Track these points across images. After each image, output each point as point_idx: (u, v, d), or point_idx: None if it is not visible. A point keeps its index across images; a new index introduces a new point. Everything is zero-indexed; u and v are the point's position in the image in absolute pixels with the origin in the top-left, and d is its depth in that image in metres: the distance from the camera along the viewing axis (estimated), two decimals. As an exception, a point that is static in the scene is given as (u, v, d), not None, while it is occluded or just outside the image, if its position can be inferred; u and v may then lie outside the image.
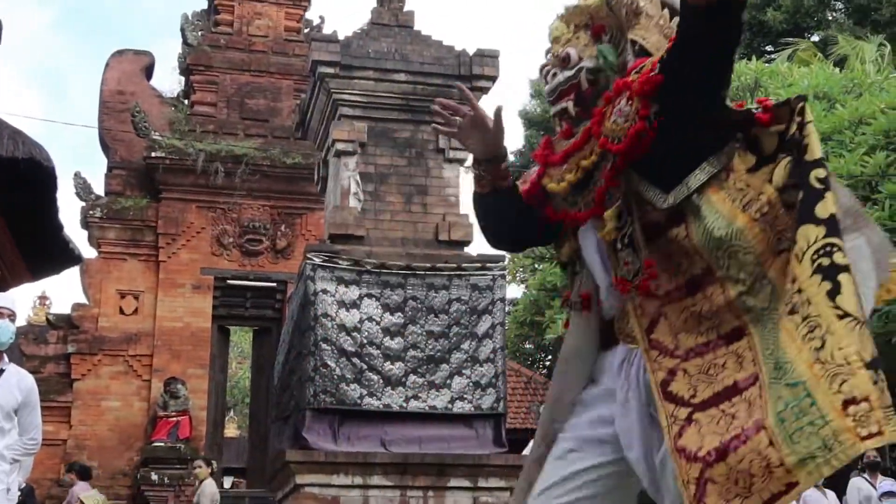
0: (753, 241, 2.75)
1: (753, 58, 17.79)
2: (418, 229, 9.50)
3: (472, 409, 8.85)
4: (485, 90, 9.83)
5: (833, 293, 2.50)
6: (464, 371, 8.90)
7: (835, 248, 2.55)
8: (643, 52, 3.08)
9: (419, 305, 9.04)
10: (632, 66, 3.02)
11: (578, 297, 3.17)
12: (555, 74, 3.20)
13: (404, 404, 8.73)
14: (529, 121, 27.86)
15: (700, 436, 2.67)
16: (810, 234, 2.60)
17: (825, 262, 2.55)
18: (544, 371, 24.42)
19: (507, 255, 17.23)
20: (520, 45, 64.40)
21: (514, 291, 26.57)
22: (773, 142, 2.86)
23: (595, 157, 2.99)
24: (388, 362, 8.81)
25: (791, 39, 20.98)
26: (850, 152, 11.68)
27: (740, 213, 2.77)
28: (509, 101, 54.53)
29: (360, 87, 9.62)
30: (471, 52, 9.90)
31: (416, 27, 10.24)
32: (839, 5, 24.25)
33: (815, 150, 2.74)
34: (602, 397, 3.04)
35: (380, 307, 8.98)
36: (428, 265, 9.12)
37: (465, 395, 8.84)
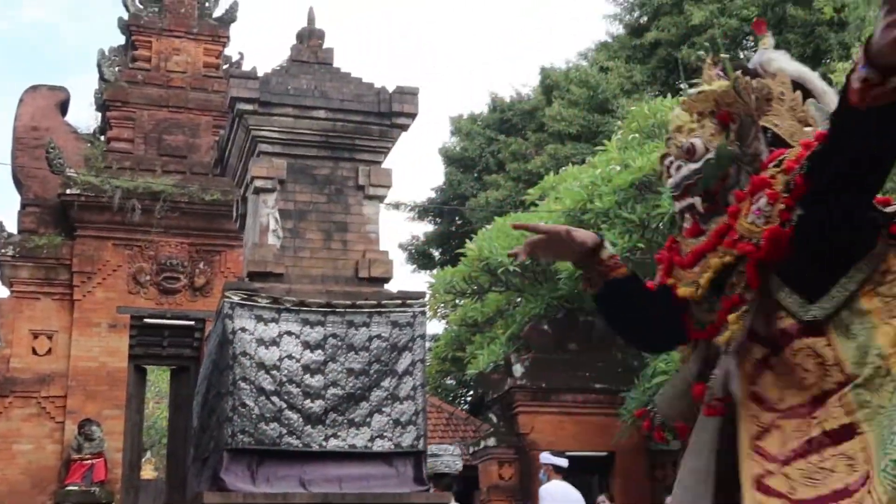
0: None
1: (668, 95, 18.15)
2: (338, 266, 9.46)
3: (392, 447, 8.80)
4: (404, 127, 9.87)
5: None
6: (384, 409, 8.85)
7: None
8: (776, 139, 2.90)
9: (339, 343, 8.99)
10: (768, 159, 2.83)
11: (714, 396, 2.88)
12: (679, 167, 2.95)
13: (324, 443, 8.65)
14: (449, 158, 28.01)
15: None
16: None
17: None
18: (465, 406, 24.44)
19: (428, 291, 17.30)
20: (441, 82, 64.79)
21: (436, 327, 26.60)
22: None
23: (730, 259, 2.76)
24: (308, 400, 8.74)
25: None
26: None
27: (890, 326, 2.54)
28: (430, 138, 54.77)
29: (280, 123, 9.59)
30: (390, 89, 9.94)
31: (335, 64, 10.25)
32: (751, 44, 24.90)
33: None
34: None
35: (300, 345, 8.91)
36: (348, 302, 9.09)
37: (385, 434, 8.79)
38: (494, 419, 16.67)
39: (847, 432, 2.51)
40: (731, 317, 2.72)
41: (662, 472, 15.85)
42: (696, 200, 2.87)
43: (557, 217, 15.24)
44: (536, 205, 17.25)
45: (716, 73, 3.06)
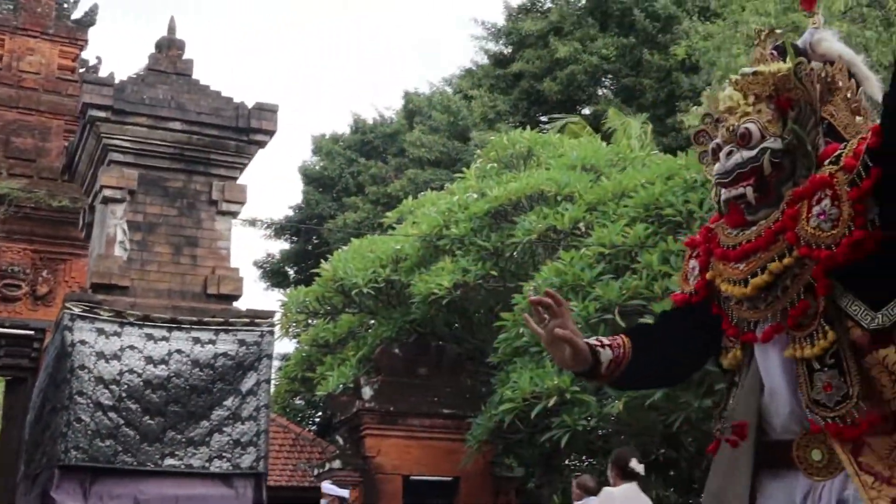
0: None
1: (528, 127, 18.47)
2: (186, 281, 9.28)
3: (231, 467, 8.66)
4: (261, 144, 9.78)
5: None
6: (224, 428, 8.70)
7: None
8: (831, 131, 2.74)
9: (184, 359, 8.81)
10: (823, 154, 2.66)
11: (730, 424, 2.77)
12: (730, 153, 2.76)
13: (160, 462, 8.45)
14: (309, 177, 27.84)
15: None
16: None
17: None
18: (314, 427, 24.22)
19: (280, 310, 17.12)
20: (305, 101, 64.43)
21: (288, 346, 26.32)
22: None
23: (790, 262, 2.61)
24: (147, 416, 8.53)
25: (560, 115, 21.91)
26: (612, 223, 12.22)
27: None
28: (291, 156, 54.32)
29: (133, 133, 9.38)
30: (250, 104, 9.84)
31: (194, 76, 10.10)
32: (608, 82, 25.59)
33: None
34: None
35: (142, 359, 8.70)
36: (194, 318, 8.92)
37: (224, 454, 8.64)
38: (341, 441, 16.56)
39: None
40: (825, 331, 2.55)
41: (506, 499, 16.01)
42: (748, 191, 2.70)
43: (413, 241, 15.31)
44: (394, 228, 17.29)
45: (770, 51, 2.93)
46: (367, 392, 15.92)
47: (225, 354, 8.92)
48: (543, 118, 25.21)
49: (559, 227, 12.95)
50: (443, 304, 14.25)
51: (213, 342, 8.90)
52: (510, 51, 27.60)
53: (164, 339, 8.79)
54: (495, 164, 16.22)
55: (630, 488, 7.02)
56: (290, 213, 27.89)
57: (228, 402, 8.81)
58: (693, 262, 2.96)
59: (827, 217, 2.52)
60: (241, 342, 9.00)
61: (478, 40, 28.28)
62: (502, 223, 14.56)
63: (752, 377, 2.76)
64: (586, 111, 24.82)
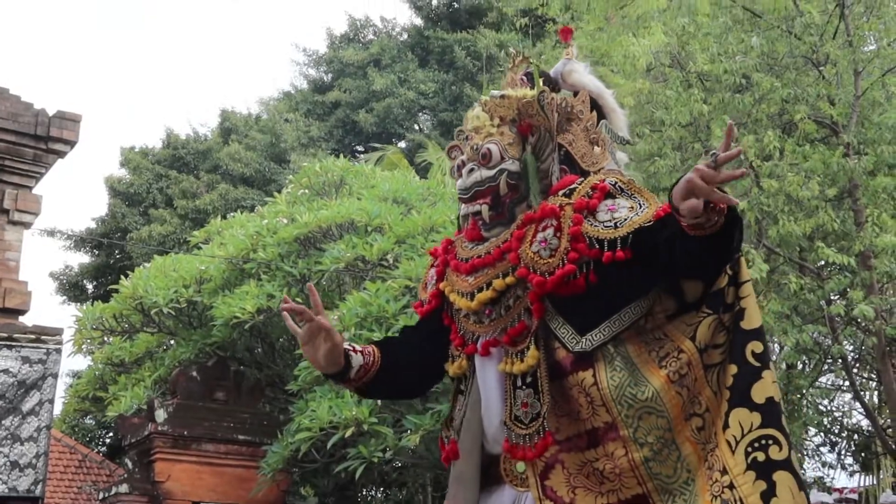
0: (668, 405, 2.56)
1: (342, 155, 18.47)
2: (-31, 292, 8.82)
3: (7, 490, 8.25)
4: (61, 154, 9.43)
5: (768, 495, 2.36)
6: (2, 449, 8.29)
7: (771, 441, 2.39)
8: (567, 158, 2.84)
9: (-39, 375, 8.35)
10: (559, 184, 2.78)
11: (454, 433, 2.88)
12: (472, 171, 2.89)
13: (-74, 484, 7.98)
14: (115, 190, 26.94)
15: None
16: (744, 421, 2.42)
17: (760, 457, 2.39)
18: (103, 448, 23.36)
19: (74, 326, 16.43)
20: (114, 111, 62.48)
21: (80, 363, 25.34)
22: (697, 289, 2.65)
23: (511, 281, 2.75)
24: (-84, 435, 8.03)
25: (376, 146, 22.04)
26: (420, 256, 12.33)
27: (657, 370, 2.57)
28: (96, 166, 52.47)
29: (-80, 132, 8.89)
30: (52, 112, 9.47)
31: (-7, 78, 9.65)
32: (425, 117, 25.91)
33: (754, 317, 2.53)
34: None
35: (-86, 374, 8.20)
36: (-25, 332, 8.48)
37: (0, 476, 8.22)
38: (130, 465, 15.99)
39: (639, 501, 2.53)
40: (531, 351, 2.68)
41: (298, 527, 15.83)
42: (484, 209, 2.83)
43: (219, 263, 15.02)
44: (200, 247, 16.91)
45: (520, 76, 3.04)
46: (160, 415, 15.43)
47: (6, 371, 8.51)
48: (360, 148, 25.29)
49: (367, 258, 12.96)
50: (245, 329, 14.00)
51: (-6, 358, 8.48)
52: (329, 78, 27.60)
53: (-59, 352, 8.32)
54: (307, 191, 16.13)
55: None
56: (93, 224, 26.91)
57: (7, 422, 8.40)
58: (432, 272, 3.09)
59: (547, 245, 2.68)
60: (25, 359, 8.62)
61: (298, 66, 28.19)
62: (311, 250, 14.46)
63: (476, 388, 2.88)
64: (402, 144, 25.06)
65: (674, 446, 2.55)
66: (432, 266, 3.13)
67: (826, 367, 13.22)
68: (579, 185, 2.76)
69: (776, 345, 10.94)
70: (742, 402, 2.46)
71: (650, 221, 2.60)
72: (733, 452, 2.41)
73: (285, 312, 2.80)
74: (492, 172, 2.85)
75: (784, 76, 9.82)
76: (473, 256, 2.87)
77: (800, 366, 13.47)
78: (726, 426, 2.45)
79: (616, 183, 2.75)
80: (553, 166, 2.86)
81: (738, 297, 2.57)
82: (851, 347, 12.71)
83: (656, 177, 9.86)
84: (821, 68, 9.87)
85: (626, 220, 2.64)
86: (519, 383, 2.70)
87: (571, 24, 11.73)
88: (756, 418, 2.42)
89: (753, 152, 9.26)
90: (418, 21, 27.22)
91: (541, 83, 2.95)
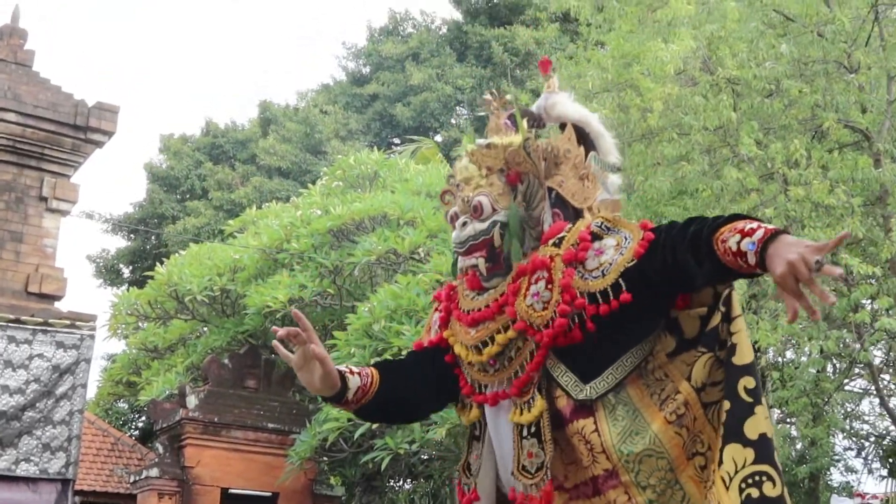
0: (668, 446, 2.58)
1: (379, 147, 18.58)
2: (7, 278, 9.04)
3: (38, 471, 8.46)
4: (99, 144, 9.61)
5: None
6: (35, 431, 8.50)
7: (764, 478, 2.41)
8: (559, 200, 2.85)
9: (-3, 358, 8.57)
10: (549, 232, 2.79)
11: (474, 481, 2.89)
12: (465, 224, 2.88)
13: (-39, 463, 8.21)
14: (154, 175, 27.26)
15: None
16: (738, 457, 2.44)
17: (754, 493, 2.40)
18: (136, 433, 23.66)
19: (110, 311, 16.70)
20: (154, 98, 62.95)
21: (115, 346, 25.68)
22: (694, 326, 2.66)
23: (512, 335, 2.75)
24: (-46, 415, 8.26)
25: (413, 138, 22.12)
26: (451, 251, 12.41)
27: (657, 412, 2.58)
28: (135, 154, 52.88)
29: (-37, 120, 9.10)
30: (91, 102, 9.66)
31: (35, 68, 9.85)
32: (463, 111, 25.98)
33: (746, 352, 2.54)
34: None
35: (-48, 355, 8.43)
36: (12, 317, 8.69)
37: (31, 457, 8.44)
38: (161, 449, 16.24)
39: None
40: (537, 401, 2.68)
41: (325, 516, 16.00)
42: (480, 262, 2.83)
43: (253, 252, 15.21)
44: (235, 237, 17.12)
45: (504, 121, 3.03)
46: (191, 401, 15.66)
47: (41, 356, 8.72)
48: (396, 140, 25.38)
49: (399, 251, 13.09)
50: (277, 318, 14.18)
51: (29, 342, 8.69)
52: (368, 71, 27.72)
53: (-22, 335, 8.55)
54: (341, 183, 16.27)
55: None
56: (131, 209, 27.23)
57: (41, 405, 8.61)
58: (436, 316, 3.09)
59: (539, 298, 2.69)
60: (60, 344, 8.81)
61: (338, 59, 28.34)
62: (343, 242, 14.61)
63: (489, 436, 2.90)
64: (438, 138, 25.13)
65: (677, 486, 2.57)
66: (436, 310, 3.14)
67: (856, 371, 13.18)
68: (568, 232, 2.77)
69: (805, 351, 10.95)
70: (735, 438, 2.47)
71: (633, 261, 2.63)
72: (727, 489, 2.42)
73: (276, 343, 2.79)
74: (484, 225, 2.85)
75: (815, 82, 9.80)
76: (474, 309, 2.87)
77: (829, 368, 13.44)
78: (721, 462, 2.47)
79: (601, 223, 2.77)
80: (544, 214, 2.87)
81: (730, 333, 2.59)
82: (880, 353, 12.68)
83: (684, 181, 9.89)
84: (852, 75, 9.84)
85: (612, 263, 2.66)
86: (525, 433, 2.71)
87: (604, 24, 11.79)
88: (749, 454, 2.44)
89: (781, 159, 9.26)
90: (457, 15, 27.26)
91: (525, 125, 2.94)
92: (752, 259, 2.32)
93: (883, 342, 11.20)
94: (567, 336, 2.66)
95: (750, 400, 2.48)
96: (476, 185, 2.91)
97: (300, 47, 66.34)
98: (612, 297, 2.62)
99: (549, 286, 2.68)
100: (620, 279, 2.62)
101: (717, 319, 2.62)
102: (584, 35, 12.59)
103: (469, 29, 25.95)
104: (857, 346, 10.32)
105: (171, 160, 27.30)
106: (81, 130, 9.33)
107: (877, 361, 11.92)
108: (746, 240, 2.33)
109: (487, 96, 3.11)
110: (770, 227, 2.34)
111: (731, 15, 9.72)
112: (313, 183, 16.97)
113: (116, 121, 9.57)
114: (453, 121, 25.63)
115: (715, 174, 9.73)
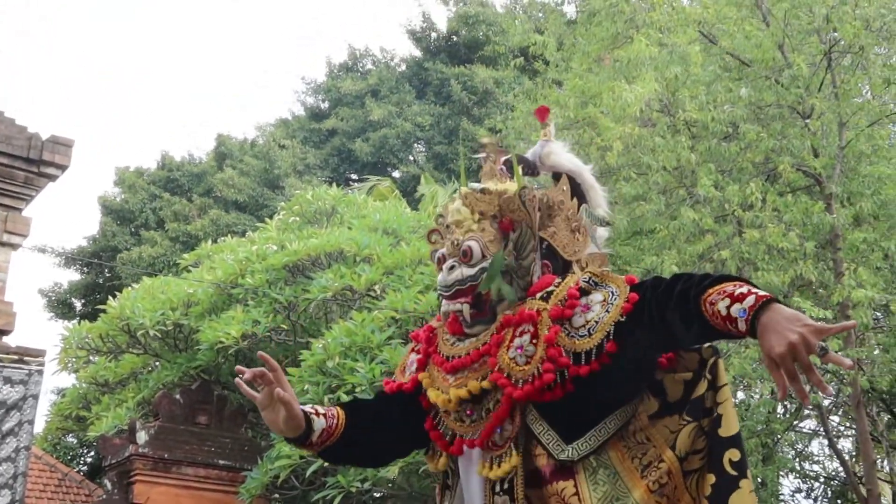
0: None
1: (337, 183, 18.55)
2: (-45, 311, 8.89)
3: (-18, 511, 8.28)
4: (53, 178, 9.52)
5: None
6: (-21, 469, 8.33)
7: None
8: (550, 252, 2.82)
9: (-57, 392, 8.40)
10: (538, 285, 2.75)
11: None
12: (453, 268, 2.83)
13: None
14: (108, 208, 27.01)
15: None
16: None
17: None
18: (84, 468, 23.27)
19: (60, 344, 16.45)
20: (109, 132, 62.33)
21: (65, 380, 25.29)
22: (678, 390, 2.64)
23: (487, 385, 2.70)
24: None
25: (371, 176, 22.10)
26: (407, 288, 12.39)
27: (639, 479, 2.54)
28: (89, 187, 52.27)
29: (-86, 150, 8.97)
30: (45, 135, 9.56)
31: (-10, 99, 9.76)
32: (421, 148, 26.04)
33: (732, 423, 2.52)
34: None
35: None
36: (-42, 351, 8.54)
37: (-25, 496, 8.26)
38: (109, 486, 15.98)
39: None
40: (509, 457, 2.64)
41: (275, 555, 15.79)
42: (465, 308, 2.78)
43: (207, 287, 15.09)
44: (190, 270, 16.98)
45: (499, 167, 3.01)
46: (142, 436, 15.44)
47: (-13, 391, 8.56)
48: (354, 176, 25.38)
49: (355, 288, 13.04)
50: (230, 353, 14.05)
51: (-25, 377, 8.53)
52: (327, 106, 27.74)
53: (-76, 369, 8.37)
54: (298, 218, 16.23)
55: None
56: (84, 243, 26.94)
57: (-14, 442, 8.44)
58: (413, 357, 3.02)
59: (523, 352, 2.64)
60: (7, 380, 8.67)
61: (297, 94, 28.36)
62: (299, 278, 14.52)
63: (461, 487, 2.85)
64: (396, 174, 25.16)
65: None
66: (413, 350, 3.07)
67: (805, 412, 13.29)
68: (556, 287, 2.74)
69: (755, 392, 11.03)
70: None
71: (619, 319, 2.61)
72: None
73: (238, 380, 2.75)
74: (473, 271, 2.80)
75: (770, 126, 9.95)
76: (455, 356, 2.82)
77: (780, 409, 13.54)
78: None
79: (590, 279, 2.75)
80: (534, 265, 2.83)
81: (716, 403, 2.58)
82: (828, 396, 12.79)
83: (641, 220, 9.97)
84: (807, 120, 10.02)
85: (598, 321, 2.62)
86: (497, 489, 2.66)
87: (562, 63, 11.90)
88: None
89: (737, 201, 9.37)
90: (417, 53, 27.40)
91: (520, 173, 2.93)
92: (741, 326, 2.30)
93: (833, 384, 11.31)
94: (547, 393, 2.61)
95: (735, 473, 2.46)
96: (467, 230, 2.87)
97: (259, 81, 66.26)
98: (594, 358, 2.59)
99: (534, 341, 2.64)
100: (605, 340, 2.60)
101: (703, 388, 2.61)
102: (543, 73, 12.70)
103: (429, 66, 26.07)
104: (807, 387, 10.38)
105: (126, 193, 27.09)
106: (35, 164, 9.23)
107: (826, 403, 12.03)
108: (737, 306, 2.31)
109: (485, 140, 3.10)
110: (761, 292, 2.33)
111: (693, 59, 9.86)
112: (270, 217, 16.90)
113: (70, 154, 9.49)
114: (412, 157, 25.67)
115: (671, 215, 9.82)
